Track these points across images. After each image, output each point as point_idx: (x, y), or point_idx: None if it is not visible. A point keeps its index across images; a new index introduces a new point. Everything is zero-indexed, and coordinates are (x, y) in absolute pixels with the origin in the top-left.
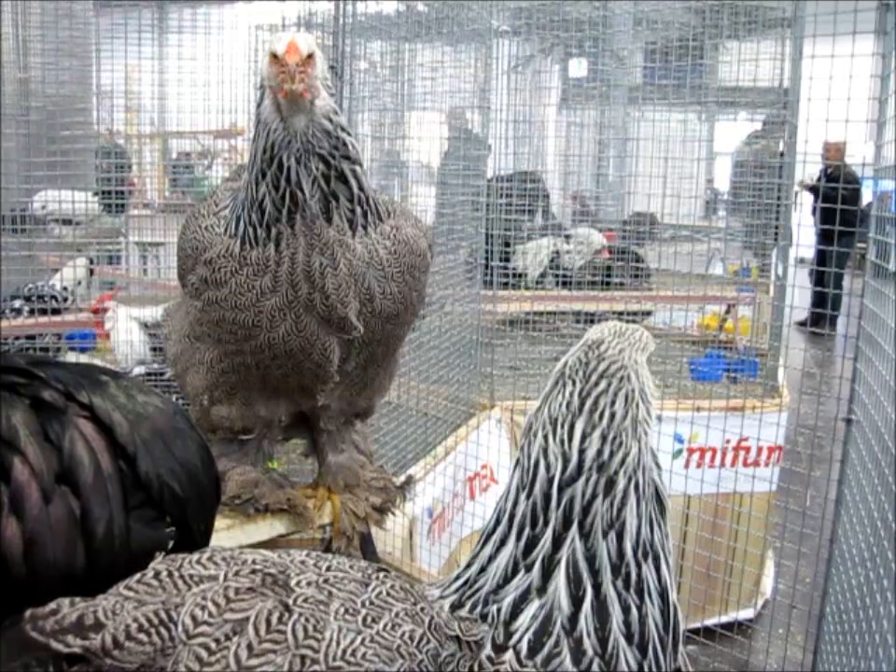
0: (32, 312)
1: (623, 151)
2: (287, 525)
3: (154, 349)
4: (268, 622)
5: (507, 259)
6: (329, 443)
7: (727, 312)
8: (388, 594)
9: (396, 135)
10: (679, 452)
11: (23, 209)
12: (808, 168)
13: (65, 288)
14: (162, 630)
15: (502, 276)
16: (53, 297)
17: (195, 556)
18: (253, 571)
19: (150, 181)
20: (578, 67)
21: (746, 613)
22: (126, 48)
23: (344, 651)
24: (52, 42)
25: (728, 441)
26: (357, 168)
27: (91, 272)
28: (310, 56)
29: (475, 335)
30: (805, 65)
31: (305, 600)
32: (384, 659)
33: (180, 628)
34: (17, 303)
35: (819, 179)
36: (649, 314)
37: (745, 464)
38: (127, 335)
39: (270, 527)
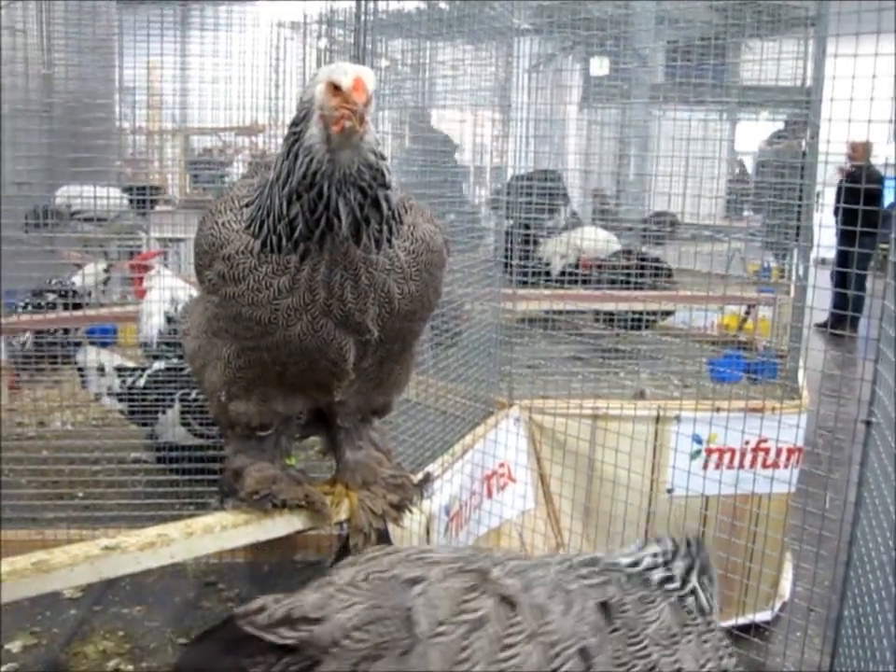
0: (62, 307)
1: (644, 150)
2: (304, 522)
3: (168, 344)
4: (500, 616)
5: (527, 258)
6: (347, 440)
7: (747, 312)
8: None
9: (416, 133)
10: (698, 452)
11: (46, 204)
12: (831, 168)
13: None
14: (381, 628)
15: (522, 275)
16: (74, 292)
17: (378, 554)
18: (461, 570)
19: (172, 177)
20: (599, 66)
21: (763, 615)
22: (148, 44)
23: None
24: (76, 39)
25: (747, 443)
26: (389, 192)
27: (111, 266)
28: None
29: (494, 333)
30: (828, 65)
31: (517, 591)
32: None
33: (418, 628)
34: (50, 297)
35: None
36: (670, 313)
37: (764, 465)
38: (158, 306)
39: (287, 523)
